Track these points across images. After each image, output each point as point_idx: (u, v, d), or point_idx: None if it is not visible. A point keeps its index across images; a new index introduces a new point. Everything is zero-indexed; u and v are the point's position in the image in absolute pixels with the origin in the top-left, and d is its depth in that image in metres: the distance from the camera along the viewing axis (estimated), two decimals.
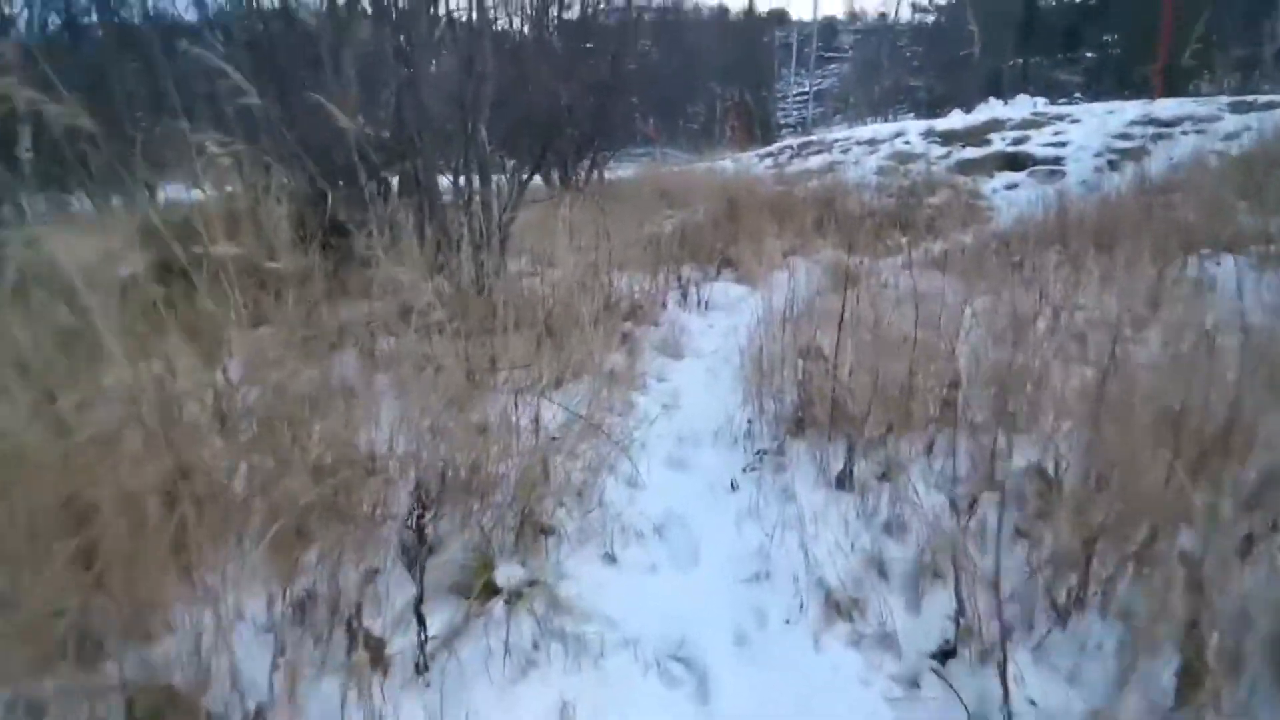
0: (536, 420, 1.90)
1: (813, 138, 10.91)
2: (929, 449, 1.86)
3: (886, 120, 31.67)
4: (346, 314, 2.70)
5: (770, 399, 2.37)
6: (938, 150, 7.32)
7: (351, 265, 3.26)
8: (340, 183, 3.79)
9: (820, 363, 2.16)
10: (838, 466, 1.84)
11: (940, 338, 2.20)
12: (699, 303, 4.40)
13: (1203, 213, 4.30)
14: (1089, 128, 6.63)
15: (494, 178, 3.85)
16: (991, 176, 6.43)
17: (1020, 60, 28.85)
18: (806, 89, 32.16)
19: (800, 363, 2.28)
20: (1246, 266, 3.67)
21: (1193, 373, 1.41)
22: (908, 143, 7.81)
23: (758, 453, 2.13)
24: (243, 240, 1.64)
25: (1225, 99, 6.65)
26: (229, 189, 2.12)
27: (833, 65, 41.11)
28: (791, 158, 9.48)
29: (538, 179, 9.32)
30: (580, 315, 3.00)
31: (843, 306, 2.16)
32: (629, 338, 3.54)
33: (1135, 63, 22.56)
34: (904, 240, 5.57)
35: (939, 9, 31.56)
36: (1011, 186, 6.24)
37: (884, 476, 1.78)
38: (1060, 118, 7.13)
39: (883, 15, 33.46)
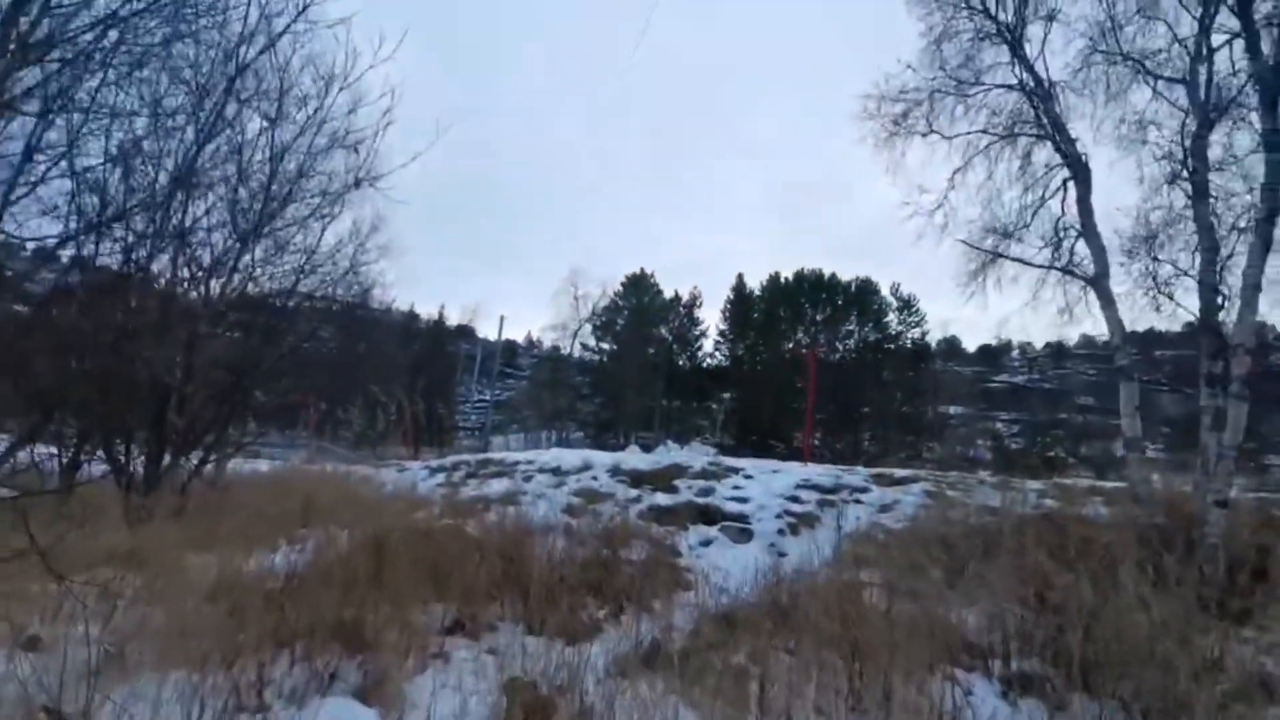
0: None
1: (493, 456, 9.97)
2: None
3: (560, 434, 33.64)
4: None
5: None
6: (628, 491, 6.77)
7: None
8: None
9: None
10: None
11: None
12: None
13: (902, 602, 3.95)
14: (763, 485, 6.76)
15: None
16: (686, 529, 5.90)
17: (665, 403, 34.49)
18: (487, 399, 33.21)
19: None
20: (996, 696, 3.22)
21: None
22: (595, 479, 7.18)
23: None
24: None
25: (866, 470, 7.50)
26: None
27: (511, 380, 44.24)
28: (468, 477, 8.18)
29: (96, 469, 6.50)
30: None
31: None
32: None
33: (752, 420, 28.35)
34: (601, 615, 4.42)
35: (602, 352, 37.13)
36: (707, 543, 5.72)
37: None
38: (735, 470, 7.27)
39: (556, 347, 37.98)
